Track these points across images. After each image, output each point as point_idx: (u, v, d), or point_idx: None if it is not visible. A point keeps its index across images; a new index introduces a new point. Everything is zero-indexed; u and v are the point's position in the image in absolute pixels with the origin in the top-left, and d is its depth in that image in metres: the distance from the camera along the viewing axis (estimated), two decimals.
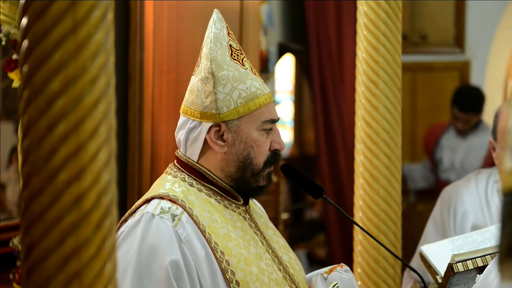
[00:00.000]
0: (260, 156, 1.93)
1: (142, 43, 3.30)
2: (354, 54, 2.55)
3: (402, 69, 2.61)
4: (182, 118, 1.96)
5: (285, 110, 6.84)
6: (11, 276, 2.73)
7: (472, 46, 6.56)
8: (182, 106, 1.97)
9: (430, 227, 2.73)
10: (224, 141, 1.91)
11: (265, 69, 5.18)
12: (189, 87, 1.97)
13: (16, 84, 2.70)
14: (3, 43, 2.66)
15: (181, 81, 3.39)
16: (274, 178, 4.82)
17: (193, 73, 1.97)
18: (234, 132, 1.91)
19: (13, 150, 2.77)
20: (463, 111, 5.14)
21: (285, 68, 6.58)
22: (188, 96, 1.96)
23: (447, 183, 4.97)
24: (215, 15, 1.96)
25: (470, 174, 2.80)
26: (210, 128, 1.90)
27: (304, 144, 6.93)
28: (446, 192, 2.77)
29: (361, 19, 2.57)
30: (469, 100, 5.15)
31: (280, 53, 5.68)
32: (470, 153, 5.19)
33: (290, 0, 5.77)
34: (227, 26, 1.96)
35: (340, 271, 1.99)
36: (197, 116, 1.91)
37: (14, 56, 2.68)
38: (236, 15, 3.75)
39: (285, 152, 6.26)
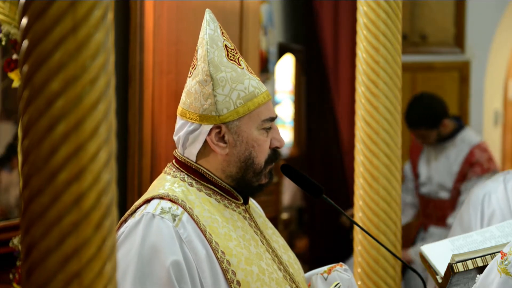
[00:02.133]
0: (261, 155, 1.93)
1: (142, 43, 3.30)
2: (351, 54, 2.56)
3: (402, 69, 2.61)
4: (180, 121, 1.95)
5: (285, 110, 6.84)
6: (11, 276, 2.73)
7: (472, 46, 6.57)
8: (179, 108, 1.96)
9: (456, 227, 2.73)
10: (225, 142, 1.91)
11: (265, 69, 5.19)
12: (185, 89, 1.96)
13: (16, 84, 2.70)
14: (3, 43, 2.66)
15: (181, 81, 3.39)
16: (274, 178, 4.82)
17: (189, 75, 1.96)
18: (235, 133, 1.91)
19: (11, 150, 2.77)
20: (409, 127, 4.62)
21: (285, 68, 6.58)
22: (185, 99, 1.95)
23: (423, 198, 4.84)
24: (207, 15, 1.95)
25: (499, 174, 2.78)
26: (210, 130, 1.90)
27: (304, 144, 6.92)
28: (473, 192, 2.75)
29: (361, 19, 2.57)
30: (414, 115, 4.57)
31: (280, 53, 5.68)
32: (445, 165, 4.67)
33: (290, 0, 5.77)
34: (220, 26, 1.96)
35: (339, 271, 1.99)
36: (196, 118, 1.91)
37: (14, 56, 2.68)
38: (236, 15, 3.75)
39: (285, 152, 6.26)
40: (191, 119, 1.92)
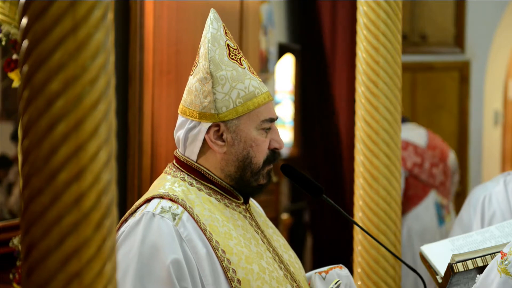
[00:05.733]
0: (260, 155, 1.93)
1: (142, 43, 3.30)
2: (351, 54, 2.56)
3: (402, 69, 2.61)
4: (180, 118, 1.96)
5: (285, 110, 6.84)
6: (11, 276, 2.73)
7: (472, 46, 6.57)
8: (181, 106, 1.97)
9: (456, 228, 2.72)
10: (223, 141, 1.91)
11: (265, 69, 5.19)
12: (187, 87, 1.97)
13: (16, 84, 2.70)
14: (3, 43, 2.66)
15: (181, 81, 3.39)
16: (274, 178, 4.83)
17: (191, 73, 1.97)
18: (233, 132, 1.91)
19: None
20: None
21: (285, 68, 6.58)
22: (186, 97, 1.96)
23: None
24: (212, 14, 1.96)
25: (499, 176, 2.77)
26: (209, 128, 1.91)
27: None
28: (474, 193, 2.74)
29: (361, 19, 2.57)
30: None
31: (280, 53, 5.68)
32: None
33: (290, 0, 5.77)
34: (224, 26, 1.96)
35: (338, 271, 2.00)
36: (196, 116, 1.92)
37: (14, 56, 2.68)
38: (236, 15, 3.75)
39: (285, 152, 6.26)
40: (191, 116, 1.93)
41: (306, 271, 2.07)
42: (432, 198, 4.77)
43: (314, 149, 5.68)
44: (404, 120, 4.85)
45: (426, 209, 4.74)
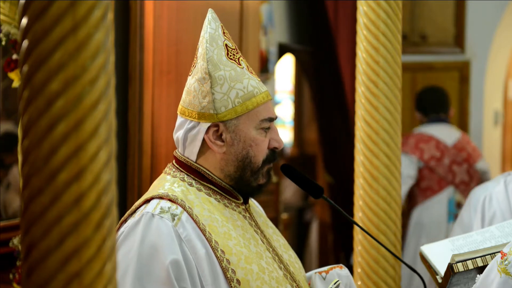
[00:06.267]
0: (259, 155, 1.93)
1: (142, 43, 3.30)
2: (351, 55, 2.57)
3: (402, 69, 2.61)
4: (179, 119, 1.96)
5: (285, 110, 6.84)
6: (11, 276, 2.73)
7: (472, 46, 6.57)
8: (180, 106, 1.97)
9: (456, 228, 2.73)
10: (222, 141, 1.91)
11: (265, 69, 5.18)
12: (186, 88, 1.97)
13: (16, 84, 2.70)
14: (3, 43, 2.66)
15: (181, 81, 3.39)
16: (274, 178, 4.83)
17: (190, 74, 1.97)
18: (233, 131, 1.91)
19: None
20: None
21: (285, 68, 6.58)
22: (185, 97, 1.96)
23: None
24: (210, 14, 1.96)
25: (499, 176, 2.78)
26: (208, 128, 1.91)
27: (304, 144, 6.93)
28: (474, 193, 2.75)
29: (361, 19, 2.57)
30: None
31: (280, 53, 5.68)
32: None
33: (290, 0, 5.77)
34: (222, 26, 1.96)
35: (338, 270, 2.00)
36: (195, 116, 1.92)
37: (14, 56, 2.68)
38: (236, 15, 3.75)
39: (285, 152, 6.27)
40: (190, 116, 1.93)
41: (307, 271, 2.07)
42: (447, 194, 4.73)
43: (335, 149, 5.67)
44: (442, 120, 4.91)
45: (438, 203, 4.71)
